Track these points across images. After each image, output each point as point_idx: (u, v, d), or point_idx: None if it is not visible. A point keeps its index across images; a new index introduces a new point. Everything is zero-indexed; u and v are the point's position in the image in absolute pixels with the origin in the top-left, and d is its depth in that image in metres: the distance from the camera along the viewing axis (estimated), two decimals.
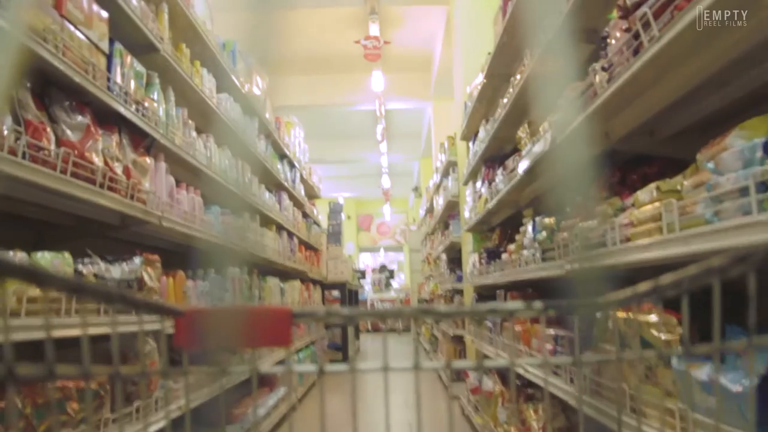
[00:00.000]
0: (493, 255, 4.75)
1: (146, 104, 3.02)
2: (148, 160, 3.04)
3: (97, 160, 2.41)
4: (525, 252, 3.47)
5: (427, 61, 11.37)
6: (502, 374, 4.71)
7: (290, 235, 7.29)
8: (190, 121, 3.88)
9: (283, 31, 9.25)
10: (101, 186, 2.42)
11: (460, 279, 7.09)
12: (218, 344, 0.71)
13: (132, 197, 2.73)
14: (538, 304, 0.71)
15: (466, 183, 6.30)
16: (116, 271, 2.52)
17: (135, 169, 2.81)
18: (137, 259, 2.68)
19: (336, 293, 11.00)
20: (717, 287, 0.55)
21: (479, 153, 5.27)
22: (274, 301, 6.02)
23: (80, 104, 2.47)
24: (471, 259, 5.77)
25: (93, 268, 2.36)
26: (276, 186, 6.90)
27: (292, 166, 7.81)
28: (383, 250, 25.31)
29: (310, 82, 11.56)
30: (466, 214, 6.20)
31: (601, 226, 2.37)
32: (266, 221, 6.20)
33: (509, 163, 3.93)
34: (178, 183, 3.62)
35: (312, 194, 9.97)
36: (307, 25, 9.72)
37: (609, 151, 2.83)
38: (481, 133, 5.27)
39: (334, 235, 10.95)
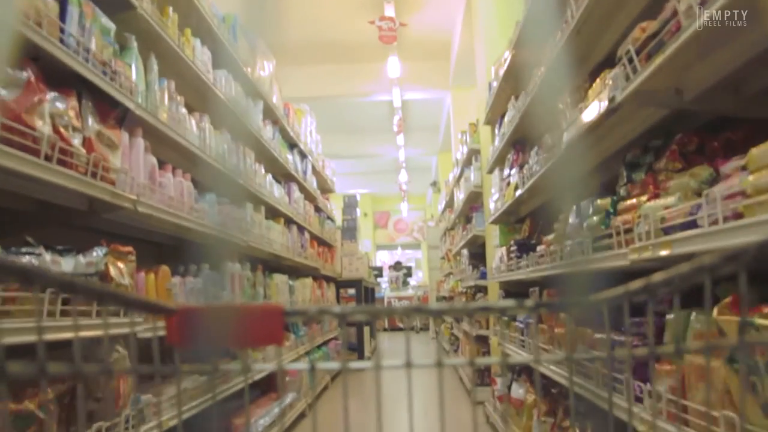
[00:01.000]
0: (524, 248, 4.22)
1: (119, 69, 2.54)
2: (121, 134, 2.55)
3: (42, 126, 1.92)
4: (568, 242, 2.94)
5: (446, 48, 10.83)
6: (535, 380, 4.18)
7: (301, 229, 6.81)
8: (178, 97, 3.40)
9: (290, 13, 8.77)
10: (48, 158, 1.94)
11: (483, 275, 6.55)
12: (210, 343, 0.71)
13: (95, 175, 2.24)
14: (529, 302, 0.71)
15: (491, 171, 5.76)
16: (68, 263, 2.04)
17: (100, 142, 2.32)
18: (99, 250, 2.20)
19: (352, 291, 10.52)
20: (708, 286, 0.55)
21: (507, 135, 4.73)
22: (281, 300, 5.54)
23: (24, 59, 1.99)
24: (497, 254, 5.24)
25: (36, 259, 1.88)
26: (285, 176, 6.41)
27: (303, 156, 7.32)
28: (400, 247, 24.81)
29: (322, 72, 11.07)
30: (491, 205, 5.66)
31: (684, 202, 1.83)
32: (273, 213, 5.72)
33: (547, 139, 3.40)
34: (162, 165, 3.14)
35: (325, 188, 9.48)
36: (317, 10, 9.23)
37: (682, 112, 2.29)
38: (510, 113, 4.73)
39: (349, 231, 10.45)
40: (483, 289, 7.24)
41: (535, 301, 0.72)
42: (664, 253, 1.84)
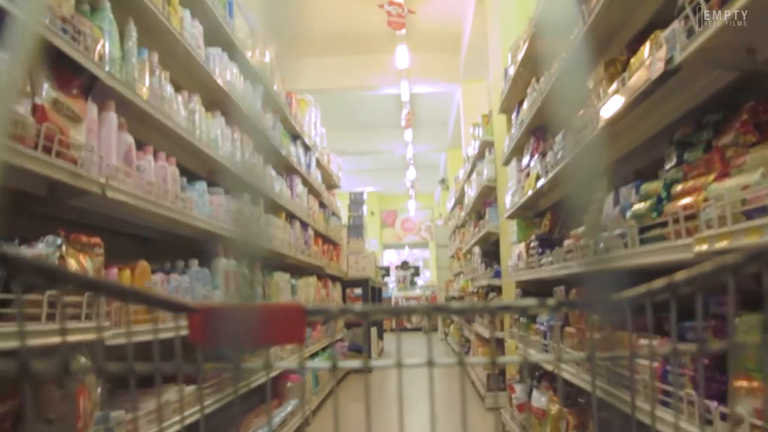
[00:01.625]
0: (547, 243, 3.84)
1: (84, 29, 2.17)
2: (87, 106, 2.19)
3: None
4: (604, 235, 2.56)
5: (456, 39, 10.44)
6: (563, 388, 3.79)
7: (304, 225, 6.44)
8: (163, 72, 3.03)
9: (295, 2, 8.40)
10: None
11: (498, 274, 6.17)
12: (232, 342, 0.71)
13: (50, 151, 1.88)
14: (551, 301, 0.71)
15: (506, 162, 5.38)
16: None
17: (57, 112, 1.96)
18: (53, 240, 1.83)
19: (359, 291, 10.15)
20: (731, 284, 0.55)
21: (526, 122, 4.34)
22: (282, 300, 5.18)
23: None
24: (515, 251, 4.86)
25: None
26: (287, 169, 6.05)
27: (306, 149, 6.96)
28: (407, 246, 24.42)
29: (328, 64, 10.69)
30: (507, 199, 5.28)
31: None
32: (274, 208, 5.35)
33: (577, 121, 3.01)
34: (142, 146, 2.78)
35: (331, 183, 9.12)
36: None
37: (754, 75, 1.91)
38: (529, 99, 4.34)
39: (356, 228, 10.08)
40: (496, 289, 6.85)
41: (557, 300, 0.71)
42: (747, 241, 1.46)
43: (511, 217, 5.18)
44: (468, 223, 9.03)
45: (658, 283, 0.65)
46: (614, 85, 2.52)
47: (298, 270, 6.65)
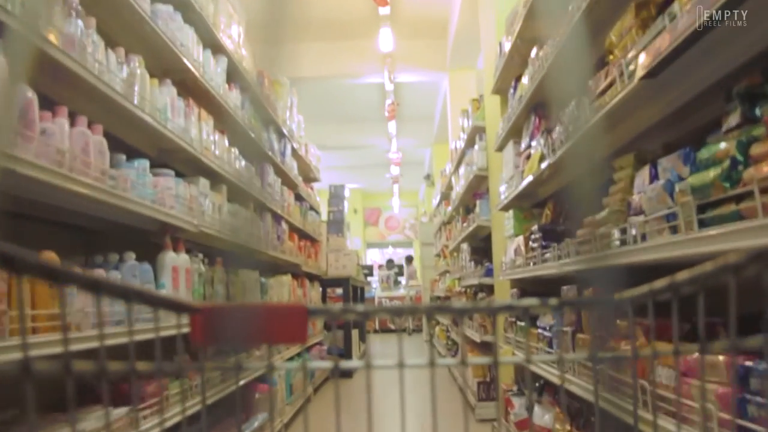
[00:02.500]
0: (552, 236, 3.31)
1: None
2: None
3: None
4: (637, 219, 2.02)
5: (443, 25, 9.91)
6: (567, 403, 3.26)
7: (277, 218, 5.86)
8: (88, 18, 2.45)
9: None
10: None
11: (489, 272, 5.64)
12: (233, 342, 0.71)
13: None
14: (553, 301, 0.70)
15: (501, 148, 4.85)
16: None
17: None
18: None
19: (341, 291, 9.57)
20: (733, 285, 0.55)
21: (526, 98, 3.81)
22: (250, 300, 4.59)
23: None
24: (510, 246, 4.32)
25: None
26: (257, 155, 5.47)
27: (281, 135, 6.38)
28: (391, 246, 23.88)
29: (307, 50, 10.09)
30: (501, 188, 4.74)
31: None
32: (239, 196, 4.77)
33: (603, 75, 2.45)
34: (52, 106, 2.19)
35: (309, 176, 8.54)
36: None
37: None
38: (529, 72, 3.81)
39: (336, 224, 9.48)
40: (487, 289, 6.33)
41: (560, 299, 0.69)
42: None
43: (505, 208, 4.65)
44: (455, 219, 8.50)
45: (660, 282, 0.64)
46: (645, 37, 1.98)
47: (271, 268, 6.07)
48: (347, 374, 8.40)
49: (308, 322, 0.72)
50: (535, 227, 3.51)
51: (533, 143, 3.68)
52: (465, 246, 7.17)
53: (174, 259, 3.15)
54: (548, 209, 3.91)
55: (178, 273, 3.17)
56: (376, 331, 17.22)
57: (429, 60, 10.27)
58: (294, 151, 7.00)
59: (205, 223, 3.65)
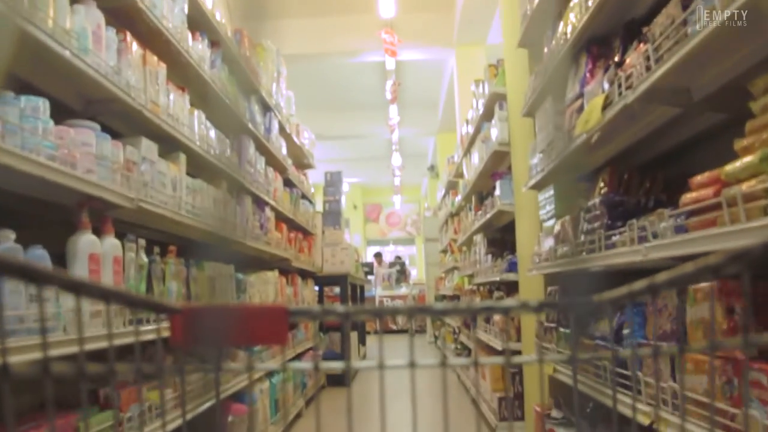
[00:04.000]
0: (623, 212, 2.39)
1: None
2: None
3: None
4: None
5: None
6: None
7: (260, 203, 4.94)
8: None
9: None
10: None
11: (513, 267, 4.71)
12: (213, 342, 0.71)
13: None
14: (533, 302, 0.70)
15: (531, 112, 3.94)
16: None
17: None
18: None
19: (338, 290, 8.65)
20: (713, 286, 0.66)
21: (574, 35, 2.88)
22: (219, 300, 3.68)
23: None
24: (546, 233, 3.41)
25: None
26: (233, 125, 4.54)
27: (266, 108, 5.45)
28: (392, 243, 22.95)
29: (301, 26, 9.17)
30: (533, 160, 3.82)
31: None
32: (206, 171, 3.86)
33: None
34: None
35: (302, 162, 7.62)
36: None
37: None
38: None
39: (332, 215, 8.54)
40: (507, 286, 5.41)
41: (539, 300, 0.71)
42: None
43: (539, 185, 3.73)
44: (465, 209, 7.57)
45: (639, 284, 0.64)
46: None
47: (254, 262, 5.16)
48: (341, 381, 7.51)
49: (288, 323, 0.71)
50: (594, 201, 2.58)
51: (587, 89, 2.76)
52: (479, 238, 6.25)
53: (92, 244, 2.22)
54: (603, 179, 2.98)
55: (99, 263, 2.24)
56: (377, 332, 16.30)
57: (433, 35, 9.34)
58: (282, 129, 6.08)
59: (150, 199, 2.73)
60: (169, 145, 3.18)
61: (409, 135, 14.33)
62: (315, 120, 11.53)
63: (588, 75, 2.82)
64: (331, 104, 12.85)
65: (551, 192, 3.39)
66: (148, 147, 2.79)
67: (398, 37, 8.15)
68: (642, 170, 2.93)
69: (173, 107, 3.20)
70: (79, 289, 0.59)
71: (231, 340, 0.71)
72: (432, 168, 15.51)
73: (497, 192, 4.97)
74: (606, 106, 2.45)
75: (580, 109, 2.84)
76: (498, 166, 5.33)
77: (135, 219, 2.91)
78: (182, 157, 3.25)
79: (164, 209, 2.88)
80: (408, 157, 16.38)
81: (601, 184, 3.00)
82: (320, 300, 9.42)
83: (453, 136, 13.00)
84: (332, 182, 8.77)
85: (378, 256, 18.30)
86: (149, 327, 2.51)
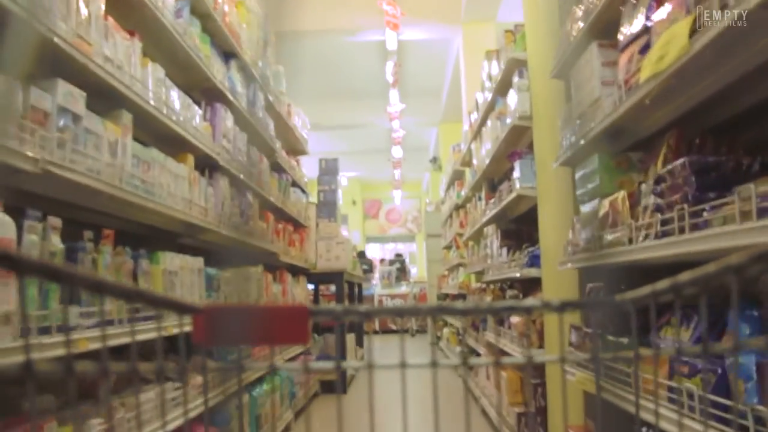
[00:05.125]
0: (723, 178, 1.70)
1: None
2: None
3: None
4: None
5: None
6: None
7: (240, 187, 4.25)
8: None
9: None
10: None
11: (535, 260, 4.01)
12: (235, 342, 0.72)
13: None
14: (555, 301, 0.70)
15: (562, 72, 3.24)
16: None
17: None
18: None
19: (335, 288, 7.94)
20: (735, 285, 0.56)
21: None
22: (188, 299, 2.99)
23: None
24: (597, 212, 2.71)
25: None
26: (204, 89, 3.85)
27: (249, 78, 4.75)
28: (392, 240, 22.24)
29: (295, 2, 8.46)
30: (564, 133, 3.12)
31: None
32: (168, 142, 3.17)
33: None
34: None
35: (293, 147, 6.93)
36: None
37: None
38: None
39: (327, 206, 7.84)
40: (522, 284, 4.73)
41: (561, 300, 0.70)
42: None
43: (569, 161, 3.04)
44: (473, 200, 6.88)
45: (662, 284, 0.64)
46: None
47: (233, 256, 4.46)
48: (333, 388, 6.83)
49: (309, 323, 0.71)
50: (674, 165, 1.87)
51: (654, 19, 2.05)
52: (491, 230, 5.55)
53: None
54: (668, 145, 2.28)
55: None
56: (376, 332, 15.59)
57: (439, 11, 8.63)
58: (270, 106, 5.38)
59: (71, 164, 2.03)
60: (108, 100, 2.48)
61: (411, 125, 13.60)
62: (310, 108, 10.79)
63: (654, 2, 2.12)
64: (328, 91, 12.13)
65: (594, 165, 2.68)
66: (70, 94, 2.09)
67: (401, 9, 7.44)
68: (716, 133, 2.25)
69: (116, 52, 2.50)
70: (101, 288, 0.59)
71: (253, 340, 0.71)
72: (434, 160, 14.80)
73: (516, 174, 4.27)
74: (693, 33, 1.75)
75: (645, 48, 2.13)
76: (515, 144, 4.63)
77: (57, 192, 2.22)
78: (126, 116, 2.55)
79: (94, 180, 2.18)
80: (409, 151, 15.67)
81: (665, 151, 2.30)
82: (315, 300, 8.73)
83: (457, 126, 12.30)
84: (328, 170, 8.06)
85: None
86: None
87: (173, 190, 3.02)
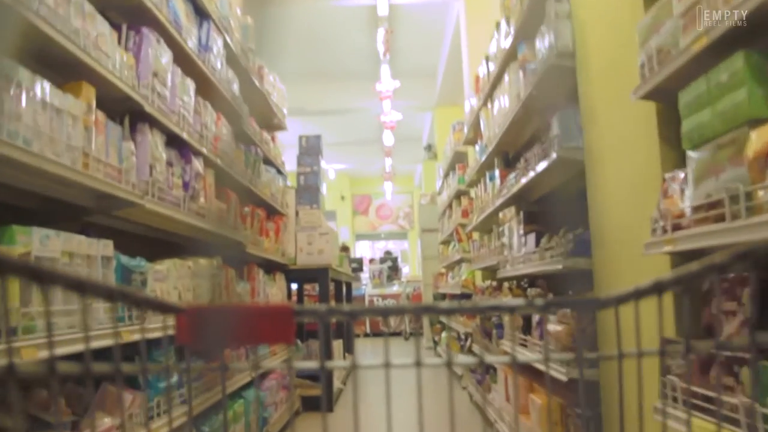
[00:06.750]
0: None
1: None
2: None
3: None
4: None
5: None
6: None
7: (183, 149, 3.16)
8: None
9: None
10: None
11: (583, 247, 2.95)
12: (219, 342, 0.71)
13: None
14: (539, 301, 0.67)
15: None
16: None
17: None
18: None
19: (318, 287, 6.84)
20: (717, 285, 0.59)
21: None
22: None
23: None
24: (723, 158, 1.66)
25: None
26: (130, 12, 2.75)
27: (202, 15, 3.66)
28: (383, 237, 21.16)
29: None
30: (651, 44, 2.07)
31: None
32: (61, 72, 2.08)
33: None
34: None
35: (268, 119, 5.84)
36: None
37: None
38: None
39: (309, 191, 6.72)
40: (547, 281, 3.70)
41: (546, 300, 0.66)
42: None
43: (656, 92, 1.98)
44: (482, 181, 5.81)
45: (646, 282, 0.63)
46: None
47: (182, 244, 3.39)
48: (317, 406, 5.76)
49: (295, 323, 0.69)
50: None
51: None
52: (509, 213, 4.48)
53: None
54: None
55: None
56: (366, 335, 14.51)
57: None
58: (233, 57, 4.29)
59: None
60: None
61: (402, 109, 12.48)
62: (292, 90, 9.67)
63: None
64: (311, 69, 10.99)
65: (736, 67, 1.59)
66: None
67: None
68: None
69: None
70: (84, 288, 0.58)
71: (237, 340, 0.70)
72: (429, 148, 13.69)
73: (554, 131, 3.19)
74: None
75: None
76: (543, 101, 3.56)
77: None
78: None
79: None
80: (400, 141, 14.58)
81: None
82: (299, 300, 7.64)
83: (454, 110, 11.26)
84: (309, 149, 6.92)
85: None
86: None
87: (57, 134, 1.93)
